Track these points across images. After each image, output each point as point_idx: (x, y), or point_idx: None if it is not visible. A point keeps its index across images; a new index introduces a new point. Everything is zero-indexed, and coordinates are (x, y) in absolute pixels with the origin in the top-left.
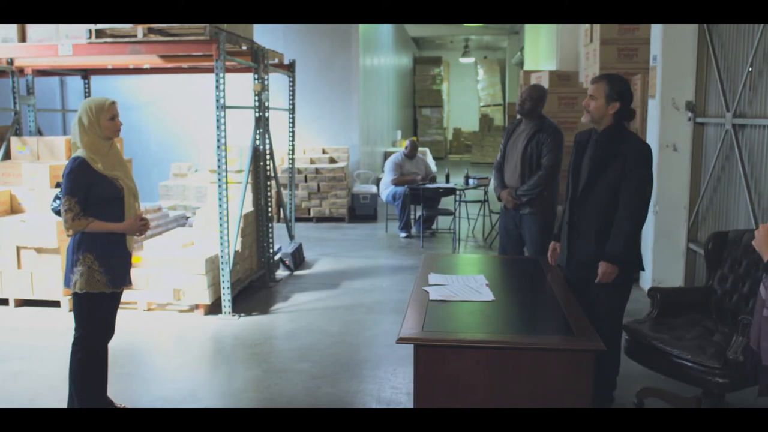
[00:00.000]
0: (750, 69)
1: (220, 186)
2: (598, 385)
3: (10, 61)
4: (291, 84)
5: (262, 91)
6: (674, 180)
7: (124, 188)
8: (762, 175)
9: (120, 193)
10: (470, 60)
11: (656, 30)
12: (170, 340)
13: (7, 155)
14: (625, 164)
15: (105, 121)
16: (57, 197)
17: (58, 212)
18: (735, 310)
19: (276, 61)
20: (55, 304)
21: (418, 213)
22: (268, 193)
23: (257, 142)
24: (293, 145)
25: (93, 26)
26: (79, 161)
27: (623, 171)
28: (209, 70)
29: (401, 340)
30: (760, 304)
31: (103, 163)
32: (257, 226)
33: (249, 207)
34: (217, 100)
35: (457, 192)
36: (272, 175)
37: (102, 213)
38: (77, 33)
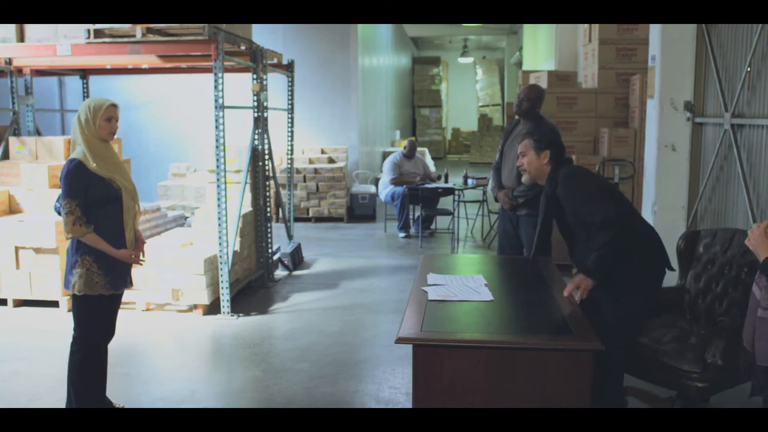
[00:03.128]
0: (748, 69)
1: (218, 186)
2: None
3: (9, 61)
4: (290, 84)
5: (260, 91)
6: (673, 180)
7: (122, 189)
8: (760, 174)
9: (118, 194)
10: (469, 60)
11: (655, 30)
12: (169, 340)
13: (6, 155)
14: (564, 205)
15: (101, 121)
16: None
17: (59, 212)
18: (709, 309)
19: (275, 61)
20: (54, 304)
21: (417, 213)
22: (267, 193)
23: (256, 142)
24: (292, 145)
25: (91, 26)
26: (75, 163)
27: (566, 210)
28: (208, 70)
29: (400, 340)
30: (753, 304)
31: (99, 163)
32: (256, 226)
33: (248, 207)
34: (216, 100)
35: (456, 192)
36: (271, 175)
37: (100, 214)
38: (76, 33)
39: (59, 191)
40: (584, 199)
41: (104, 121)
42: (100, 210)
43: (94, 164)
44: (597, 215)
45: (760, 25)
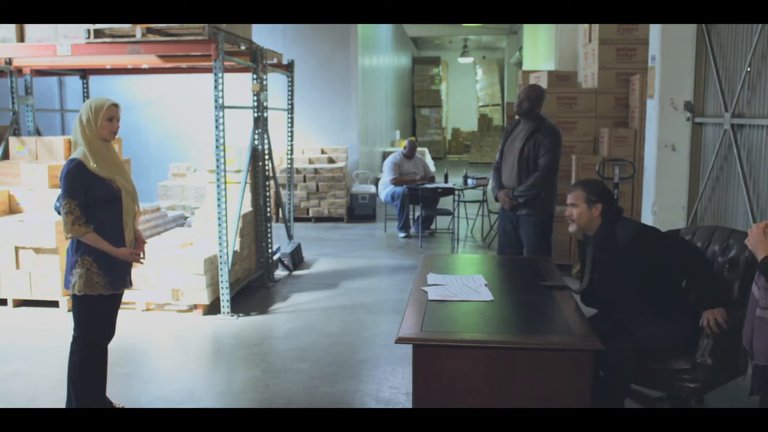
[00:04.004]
0: (748, 69)
1: (218, 186)
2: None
3: (9, 61)
4: (290, 84)
5: (260, 91)
6: (673, 180)
7: (122, 190)
8: (760, 174)
9: (117, 194)
10: (469, 60)
11: (655, 30)
12: (169, 340)
13: (6, 155)
14: (645, 259)
15: (102, 120)
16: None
17: (59, 212)
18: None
19: (275, 61)
20: (54, 304)
21: (417, 213)
22: (267, 193)
23: (256, 142)
24: (292, 145)
25: (91, 26)
26: (75, 162)
27: (650, 263)
28: (208, 70)
29: (400, 340)
30: (753, 304)
31: (99, 164)
32: (256, 226)
33: (248, 207)
34: (216, 100)
35: (456, 192)
36: (271, 175)
37: (100, 215)
38: (76, 33)
39: (59, 191)
40: (675, 262)
41: (106, 121)
42: (100, 210)
43: (94, 164)
44: (692, 262)
45: (760, 25)
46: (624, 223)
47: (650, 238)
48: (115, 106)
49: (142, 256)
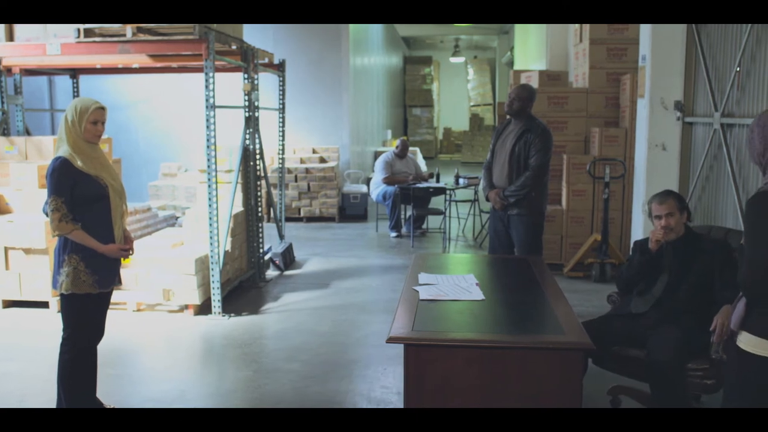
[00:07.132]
0: (738, 69)
1: (209, 186)
2: None
3: None
4: (281, 83)
5: (251, 90)
6: (663, 179)
7: (109, 187)
8: (750, 174)
9: (104, 191)
10: (460, 60)
11: (645, 30)
12: (160, 340)
13: None
14: (713, 260)
15: (86, 123)
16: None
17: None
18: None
19: (266, 60)
20: (44, 304)
21: (409, 212)
22: (258, 193)
23: (247, 142)
24: (283, 145)
25: (81, 26)
26: (60, 160)
27: (713, 265)
28: (199, 69)
29: (391, 340)
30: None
31: (85, 162)
32: (247, 226)
33: (239, 207)
34: (207, 100)
35: (447, 191)
36: (262, 174)
37: (87, 213)
38: (65, 32)
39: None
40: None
41: (90, 124)
42: (88, 208)
43: (80, 162)
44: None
45: (749, 25)
46: (706, 237)
47: (730, 256)
48: (101, 109)
49: (130, 252)
